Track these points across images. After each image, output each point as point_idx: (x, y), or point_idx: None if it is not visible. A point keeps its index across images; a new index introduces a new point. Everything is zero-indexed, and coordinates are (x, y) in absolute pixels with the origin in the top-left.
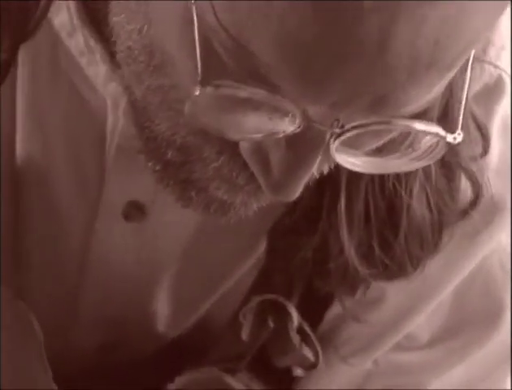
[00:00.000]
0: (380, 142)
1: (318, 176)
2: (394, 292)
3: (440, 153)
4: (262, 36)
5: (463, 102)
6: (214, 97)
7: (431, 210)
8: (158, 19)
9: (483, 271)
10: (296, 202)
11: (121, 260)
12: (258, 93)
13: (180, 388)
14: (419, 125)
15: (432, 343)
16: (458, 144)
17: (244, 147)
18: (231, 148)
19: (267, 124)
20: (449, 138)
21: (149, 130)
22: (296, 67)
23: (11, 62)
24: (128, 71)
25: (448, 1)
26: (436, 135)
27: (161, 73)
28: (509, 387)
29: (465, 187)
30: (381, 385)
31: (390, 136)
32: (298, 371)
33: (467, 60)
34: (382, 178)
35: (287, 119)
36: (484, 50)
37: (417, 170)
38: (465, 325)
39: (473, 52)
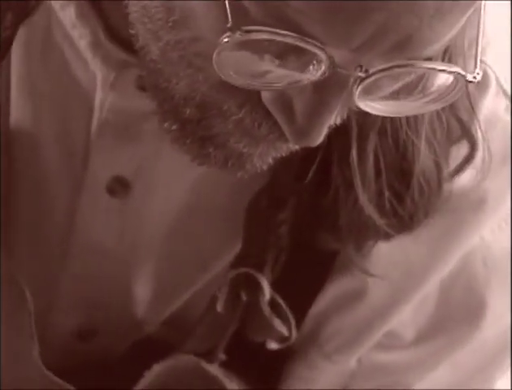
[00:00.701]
0: (396, 86)
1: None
2: (377, 284)
3: (457, 93)
4: None
5: (479, 41)
6: (244, 44)
7: (436, 162)
8: None
9: (467, 268)
10: (277, 176)
11: (103, 238)
12: (288, 36)
13: (157, 376)
14: (440, 66)
15: (418, 341)
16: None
17: (266, 97)
18: (253, 99)
19: (294, 72)
20: (469, 77)
21: (166, 90)
22: (325, 9)
23: (13, 39)
24: (144, 30)
25: None
26: (457, 74)
27: (181, 28)
28: (510, 388)
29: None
30: (366, 385)
31: (407, 79)
32: (272, 345)
33: None
34: (395, 127)
35: (311, 67)
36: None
37: (423, 122)
38: (449, 322)
39: None
